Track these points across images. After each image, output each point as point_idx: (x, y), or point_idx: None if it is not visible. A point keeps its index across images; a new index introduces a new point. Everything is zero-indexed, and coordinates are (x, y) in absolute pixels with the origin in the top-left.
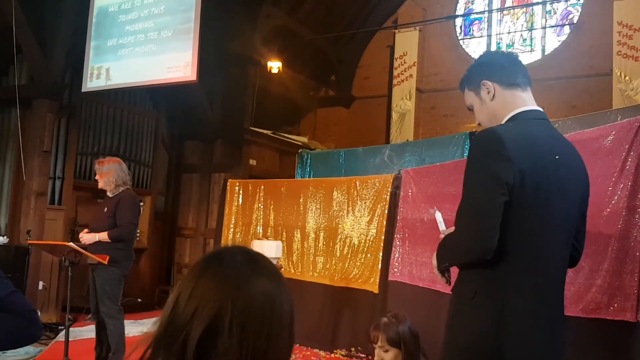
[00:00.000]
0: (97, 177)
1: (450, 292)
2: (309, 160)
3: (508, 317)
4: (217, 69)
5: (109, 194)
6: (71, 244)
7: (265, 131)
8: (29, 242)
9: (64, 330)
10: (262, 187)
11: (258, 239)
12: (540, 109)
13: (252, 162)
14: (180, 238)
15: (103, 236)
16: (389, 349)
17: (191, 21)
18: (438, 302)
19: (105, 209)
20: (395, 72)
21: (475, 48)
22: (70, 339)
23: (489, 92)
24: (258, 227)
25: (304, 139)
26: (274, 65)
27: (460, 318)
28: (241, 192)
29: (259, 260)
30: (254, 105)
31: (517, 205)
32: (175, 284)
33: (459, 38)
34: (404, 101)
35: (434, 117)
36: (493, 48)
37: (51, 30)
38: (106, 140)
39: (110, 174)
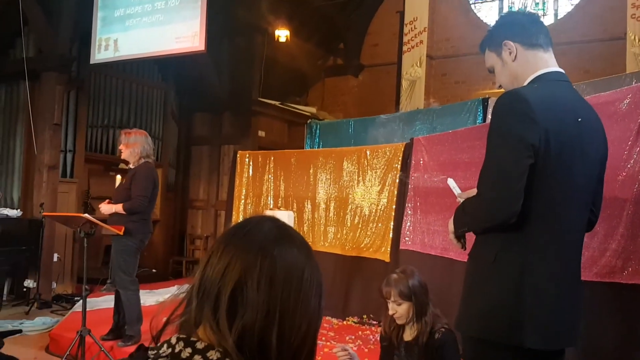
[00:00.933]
0: (121, 147)
1: (467, 259)
2: (317, 131)
3: (529, 280)
4: (224, 38)
5: (131, 166)
6: (86, 215)
7: (273, 102)
8: (44, 214)
9: (81, 301)
10: (272, 158)
11: (270, 209)
12: (562, 71)
13: (261, 133)
14: (192, 210)
15: (118, 208)
16: (402, 302)
17: None
18: (451, 270)
19: (124, 181)
20: (405, 39)
21: (487, 13)
22: (87, 309)
23: (510, 53)
24: (269, 198)
25: (313, 110)
26: (282, 34)
27: (480, 282)
28: (251, 163)
29: (287, 228)
30: (262, 75)
31: (541, 168)
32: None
33: (471, 2)
34: (414, 68)
35: (444, 84)
36: (505, 12)
37: (57, 0)
38: (116, 113)
39: (136, 145)
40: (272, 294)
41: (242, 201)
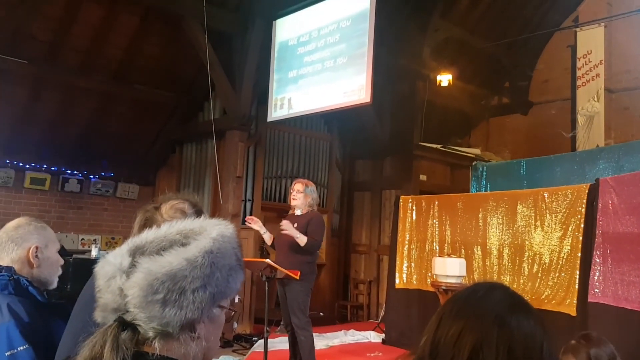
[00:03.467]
0: (296, 196)
1: None
2: (484, 173)
3: None
4: (385, 85)
5: (297, 212)
6: (267, 260)
7: (434, 145)
8: None
9: (259, 341)
10: (436, 202)
11: (438, 256)
12: None
13: (423, 177)
14: (354, 254)
15: (302, 239)
16: None
17: (365, 46)
18: None
19: (296, 225)
20: (578, 73)
21: None
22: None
23: None
24: (434, 244)
25: (477, 151)
26: (444, 78)
27: None
28: (414, 208)
29: (519, 297)
30: (423, 119)
31: None
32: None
33: None
34: (590, 103)
35: (627, 119)
36: None
37: (239, 67)
38: (287, 164)
39: (312, 196)
40: None
41: (406, 246)
